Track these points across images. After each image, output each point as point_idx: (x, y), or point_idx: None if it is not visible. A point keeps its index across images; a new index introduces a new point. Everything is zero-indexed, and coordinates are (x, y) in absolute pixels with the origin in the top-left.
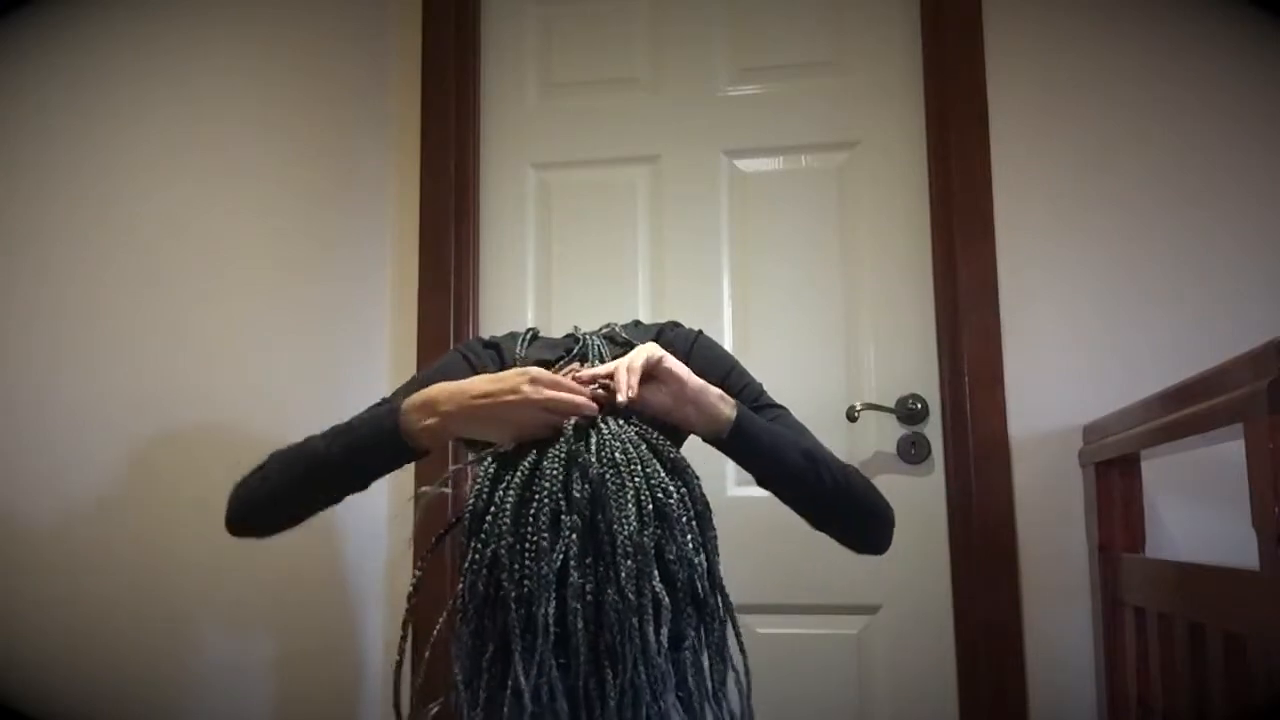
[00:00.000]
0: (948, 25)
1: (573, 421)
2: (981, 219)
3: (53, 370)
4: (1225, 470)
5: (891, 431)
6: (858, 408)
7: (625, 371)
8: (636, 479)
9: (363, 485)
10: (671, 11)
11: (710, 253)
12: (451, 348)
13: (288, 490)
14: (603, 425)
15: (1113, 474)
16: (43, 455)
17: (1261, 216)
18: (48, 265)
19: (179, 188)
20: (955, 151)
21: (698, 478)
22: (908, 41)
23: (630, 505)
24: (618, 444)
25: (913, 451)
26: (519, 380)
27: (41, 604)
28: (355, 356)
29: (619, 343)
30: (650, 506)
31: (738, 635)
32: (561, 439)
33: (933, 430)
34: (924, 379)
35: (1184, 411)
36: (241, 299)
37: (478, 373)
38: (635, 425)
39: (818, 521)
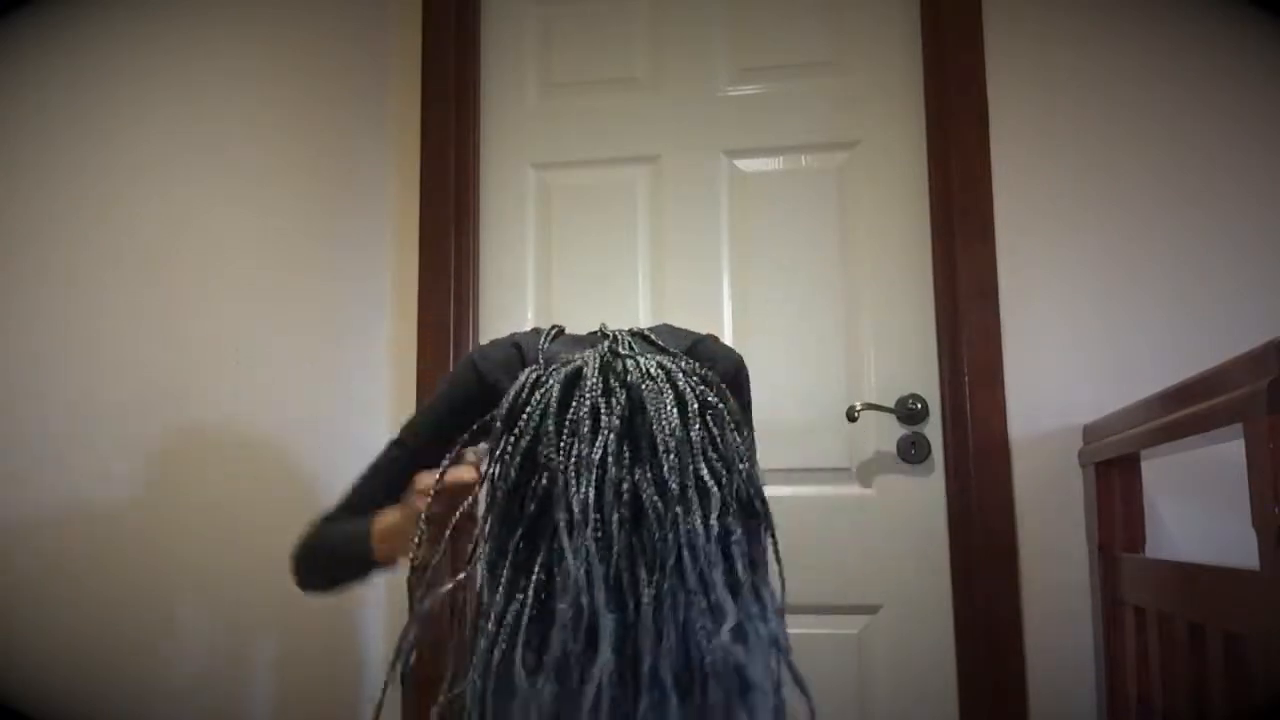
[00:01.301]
0: (948, 25)
1: (599, 358)
2: (981, 219)
3: (53, 370)
4: (1225, 470)
5: (891, 431)
6: (858, 408)
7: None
8: (679, 383)
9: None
10: (671, 11)
11: (710, 253)
12: (470, 350)
13: (312, 570)
14: (628, 359)
15: (1113, 474)
16: (43, 455)
17: (1261, 216)
18: (48, 265)
19: (179, 188)
20: (955, 151)
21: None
22: (908, 41)
23: (671, 406)
24: (651, 363)
25: (913, 451)
26: (411, 503)
27: (42, 604)
28: (355, 356)
29: (652, 343)
30: (695, 405)
31: (774, 541)
32: (595, 358)
33: (933, 430)
34: (924, 379)
35: (1184, 411)
36: (242, 299)
37: (490, 385)
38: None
39: None
